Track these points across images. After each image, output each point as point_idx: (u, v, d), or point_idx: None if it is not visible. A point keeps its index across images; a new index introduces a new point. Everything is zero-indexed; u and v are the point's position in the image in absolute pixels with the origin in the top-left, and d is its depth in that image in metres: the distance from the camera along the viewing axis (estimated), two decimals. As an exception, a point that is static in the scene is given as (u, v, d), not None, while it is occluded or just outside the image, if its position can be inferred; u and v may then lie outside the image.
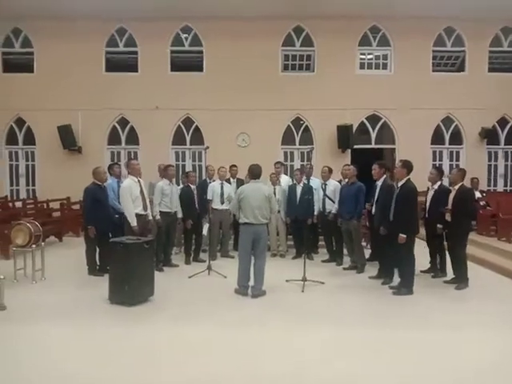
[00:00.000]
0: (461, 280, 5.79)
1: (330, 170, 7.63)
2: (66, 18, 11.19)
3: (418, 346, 3.92)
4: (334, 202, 7.27)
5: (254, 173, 5.61)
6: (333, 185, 7.44)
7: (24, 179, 12.06)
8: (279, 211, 7.71)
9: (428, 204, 6.37)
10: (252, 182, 5.59)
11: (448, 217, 5.85)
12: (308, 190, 7.34)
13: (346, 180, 7.26)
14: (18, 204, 10.58)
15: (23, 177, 12.06)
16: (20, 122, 11.90)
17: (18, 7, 10.88)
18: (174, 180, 7.14)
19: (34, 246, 6.10)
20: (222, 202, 7.64)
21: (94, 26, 11.44)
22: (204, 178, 8.78)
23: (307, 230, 7.00)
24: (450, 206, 5.86)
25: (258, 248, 5.46)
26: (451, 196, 5.89)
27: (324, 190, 7.42)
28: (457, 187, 5.88)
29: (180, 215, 7.16)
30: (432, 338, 4.11)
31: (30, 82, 11.69)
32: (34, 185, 12.02)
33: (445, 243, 6.24)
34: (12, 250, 6.25)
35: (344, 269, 6.90)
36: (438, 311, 4.91)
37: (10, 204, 10.91)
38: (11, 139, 11.99)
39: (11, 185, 12.04)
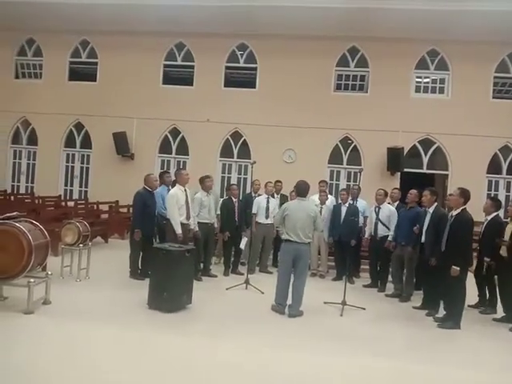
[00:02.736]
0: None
1: (386, 194, 7.29)
2: (129, 32, 11.77)
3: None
4: (388, 229, 6.93)
5: (301, 190, 5.49)
6: (387, 209, 7.05)
7: (78, 180, 12.66)
8: (322, 230, 7.57)
9: (480, 235, 6.01)
10: (298, 200, 5.51)
11: (504, 251, 5.46)
12: (353, 211, 7.15)
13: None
14: (71, 204, 11.11)
15: (77, 178, 12.67)
16: (79, 126, 12.56)
17: (87, 22, 11.61)
18: (211, 191, 7.15)
19: (81, 245, 6.34)
20: (267, 217, 7.62)
21: (154, 41, 11.93)
22: (249, 191, 8.81)
23: (351, 252, 6.81)
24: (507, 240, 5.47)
25: (299, 267, 5.35)
26: (508, 230, 5.50)
27: (377, 214, 7.12)
28: None
29: (217, 226, 7.24)
30: (479, 379, 3.82)
31: (91, 90, 12.34)
32: (86, 186, 12.59)
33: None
34: (61, 248, 6.52)
35: (386, 296, 6.63)
36: (488, 350, 4.58)
37: (63, 203, 11.48)
38: (69, 142, 12.68)
39: (65, 185, 12.68)
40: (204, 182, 7.04)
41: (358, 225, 7.24)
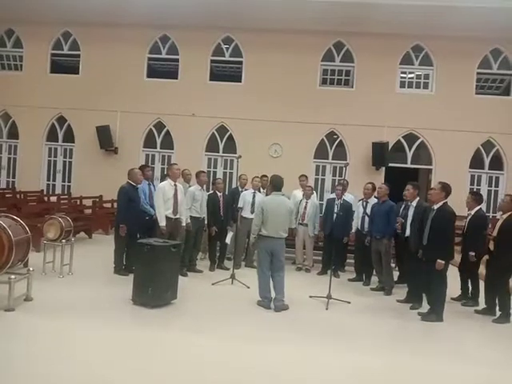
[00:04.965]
0: (502, 315, 5.45)
1: (374, 188, 7.22)
2: (113, 24, 11.57)
3: (444, 378, 3.72)
4: None
5: (277, 185, 5.49)
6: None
7: (60, 175, 12.44)
8: (307, 225, 7.60)
9: (465, 229, 6.10)
10: (274, 195, 5.49)
11: (491, 245, 5.55)
12: (346, 207, 7.17)
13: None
14: (53, 199, 10.90)
15: (60, 173, 12.44)
16: (61, 120, 12.31)
17: (69, 13, 11.36)
18: (205, 186, 7.19)
19: (64, 240, 6.24)
20: (253, 212, 7.58)
21: (138, 33, 11.76)
22: (235, 186, 8.78)
23: (339, 247, 6.84)
24: (494, 234, 5.55)
25: (277, 263, 5.36)
26: (498, 224, 5.58)
27: (364, 208, 7.13)
28: (505, 216, 5.56)
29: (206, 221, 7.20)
30: (461, 372, 3.88)
31: (74, 83, 12.10)
32: (69, 181, 12.38)
33: (480, 271, 5.95)
34: (43, 243, 6.40)
35: (371, 289, 6.68)
36: (470, 343, 4.68)
37: (46, 198, 11.28)
38: (52, 136, 12.43)
39: (48, 180, 12.45)
40: (199, 177, 7.11)
41: (349, 221, 7.26)
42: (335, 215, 7.27)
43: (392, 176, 10.59)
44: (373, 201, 7.11)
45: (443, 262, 5.09)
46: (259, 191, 8.07)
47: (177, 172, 6.47)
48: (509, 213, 5.54)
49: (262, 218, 5.30)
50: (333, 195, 7.92)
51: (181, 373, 3.47)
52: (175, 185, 6.39)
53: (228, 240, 7.25)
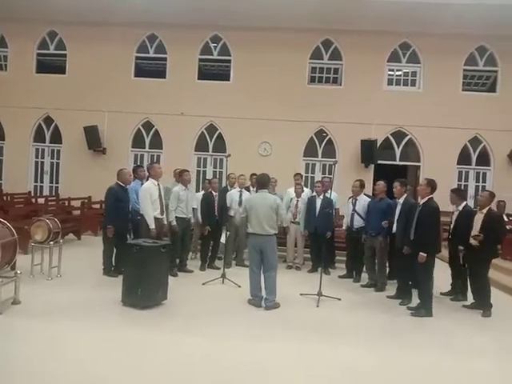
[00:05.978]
0: (484, 307, 5.54)
1: (362, 185, 7.25)
2: (99, 23, 11.48)
3: (437, 371, 3.75)
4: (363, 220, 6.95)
5: (261, 182, 5.53)
6: (364, 200, 7.05)
7: (48, 176, 12.31)
8: (299, 223, 7.61)
9: (453, 225, 6.17)
10: (259, 192, 5.54)
11: (473, 241, 5.62)
12: (328, 203, 7.20)
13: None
14: (41, 200, 10.78)
15: (47, 174, 12.31)
16: (48, 120, 12.18)
17: (54, 12, 11.23)
18: (189, 185, 7.14)
19: (52, 242, 6.16)
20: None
21: (125, 32, 11.67)
22: (224, 185, 8.76)
23: (326, 244, 6.86)
24: (476, 230, 5.62)
25: (267, 259, 5.35)
26: (478, 220, 5.67)
27: (354, 206, 7.15)
28: (485, 211, 5.66)
29: (193, 220, 7.17)
30: (452, 364, 3.92)
31: (60, 83, 11.97)
32: (57, 182, 12.25)
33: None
34: (31, 246, 6.31)
35: (362, 286, 6.71)
36: (459, 337, 4.72)
37: (33, 200, 11.14)
38: (39, 137, 12.28)
39: (35, 181, 12.31)
40: (182, 176, 6.99)
41: (332, 217, 7.30)
42: (318, 212, 7.31)
43: (381, 173, 10.65)
44: (362, 198, 7.13)
45: (425, 255, 5.16)
46: (248, 190, 8.05)
47: (159, 171, 6.38)
48: (487, 208, 5.66)
49: (247, 216, 5.40)
50: (313, 193, 7.91)
51: (173, 372, 3.46)
52: (158, 184, 6.34)
53: (223, 239, 7.23)
